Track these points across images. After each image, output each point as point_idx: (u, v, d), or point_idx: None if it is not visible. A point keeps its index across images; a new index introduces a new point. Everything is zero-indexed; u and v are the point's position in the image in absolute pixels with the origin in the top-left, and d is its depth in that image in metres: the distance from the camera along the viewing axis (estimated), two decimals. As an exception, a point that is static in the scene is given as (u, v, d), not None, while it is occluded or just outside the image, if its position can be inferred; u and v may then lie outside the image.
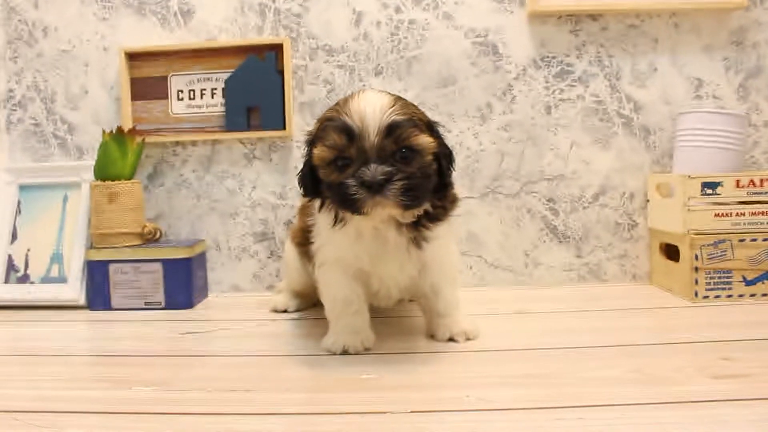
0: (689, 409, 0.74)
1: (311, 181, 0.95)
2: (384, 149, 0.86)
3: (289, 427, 0.73)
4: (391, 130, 0.86)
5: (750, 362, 0.90)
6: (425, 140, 0.89)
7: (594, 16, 1.46)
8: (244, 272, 1.52)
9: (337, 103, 0.92)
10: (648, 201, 1.46)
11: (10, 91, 1.55)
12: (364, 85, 1.47)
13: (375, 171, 0.85)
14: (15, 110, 1.55)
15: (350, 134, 0.86)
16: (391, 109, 0.87)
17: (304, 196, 1.00)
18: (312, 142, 0.94)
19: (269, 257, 1.51)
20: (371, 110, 0.86)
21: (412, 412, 0.75)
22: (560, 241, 1.48)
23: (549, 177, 1.47)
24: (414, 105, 0.94)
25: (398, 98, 0.91)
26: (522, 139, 1.47)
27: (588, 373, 0.87)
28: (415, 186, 0.87)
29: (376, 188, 0.85)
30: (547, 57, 1.46)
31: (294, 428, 0.72)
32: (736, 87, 1.46)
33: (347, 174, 0.87)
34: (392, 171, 0.85)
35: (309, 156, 0.94)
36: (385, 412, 0.75)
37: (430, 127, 0.94)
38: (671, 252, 1.38)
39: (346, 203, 0.87)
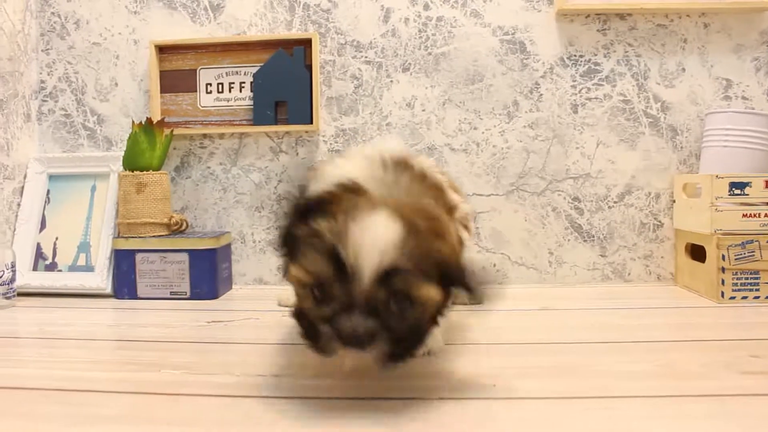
0: (718, 402, 0.73)
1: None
2: (375, 298, 0.67)
3: (318, 411, 0.73)
4: (388, 276, 0.66)
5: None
6: (429, 293, 0.69)
7: (622, 16, 1.45)
8: (268, 265, 1.53)
9: (337, 211, 0.70)
10: (674, 201, 1.45)
11: (42, 82, 1.57)
12: (391, 81, 1.48)
13: (357, 326, 0.66)
14: (46, 101, 1.57)
15: (338, 268, 0.67)
16: (397, 250, 0.67)
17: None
18: (291, 239, 0.74)
19: (293, 251, 1.52)
20: (371, 247, 0.66)
21: (439, 399, 0.76)
22: (585, 240, 1.47)
23: (574, 176, 1.47)
24: (443, 226, 0.75)
25: (415, 227, 0.69)
26: (548, 137, 1.47)
27: (614, 367, 0.87)
28: (404, 343, 0.70)
29: (353, 344, 0.67)
30: (575, 55, 1.46)
31: (322, 412, 0.73)
32: (766, 88, 1.45)
33: (322, 313, 0.69)
34: (378, 328, 0.67)
35: (286, 255, 0.76)
36: (413, 398, 0.76)
37: (448, 266, 0.72)
38: (697, 253, 1.37)
39: (313, 342, 0.72)
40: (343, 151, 0.99)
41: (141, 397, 0.79)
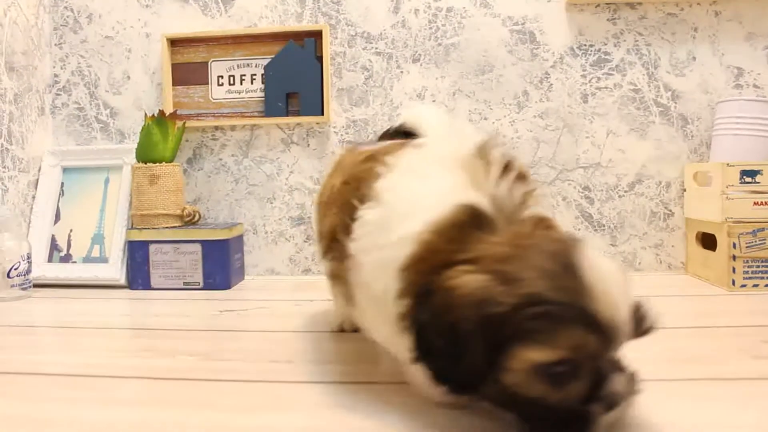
0: (733, 386, 0.73)
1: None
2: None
3: (333, 396, 0.74)
4: (640, 319, 0.56)
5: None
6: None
7: (632, 5, 1.45)
8: (280, 256, 1.54)
9: (527, 264, 0.54)
10: (684, 190, 1.45)
11: (56, 76, 1.59)
12: (401, 72, 1.48)
13: (622, 386, 0.55)
14: (60, 95, 1.59)
15: (601, 333, 0.52)
16: (627, 283, 0.56)
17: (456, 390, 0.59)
18: (492, 328, 0.53)
19: (305, 241, 1.53)
20: (618, 293, 0.54)
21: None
22: (595, 229, 1.48)
23: (585, 165, 1.47)
24: None
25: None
26: (558, 126, 1.47)
27: (627, 351, 0.87)
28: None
29: (616, 405, 0.55)
30: (585, 45, 1.46)
31: (337, 397, 0.74)
32: (777, 76, 1.45)
33: (574, 390, 0.53)
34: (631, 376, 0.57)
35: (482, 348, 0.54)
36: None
37: None
38: (707, 241, 1.37)
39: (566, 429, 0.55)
40: (411, 152, 0.70)
41: (155, 382, 0.80)
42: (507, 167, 0.63)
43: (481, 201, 0.60)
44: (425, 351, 0.57)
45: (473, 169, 0.63)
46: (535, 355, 0.52)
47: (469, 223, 0.59)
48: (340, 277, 0.74)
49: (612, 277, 0.54)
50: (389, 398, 0.72)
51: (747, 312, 1.11)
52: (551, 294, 0.52)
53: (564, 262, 0.53)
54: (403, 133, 1.00)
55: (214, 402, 0.72)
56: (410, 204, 0.62)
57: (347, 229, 0.68)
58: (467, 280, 0.55)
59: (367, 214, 0.65)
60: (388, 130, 1.07)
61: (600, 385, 0.54)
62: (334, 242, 0.73)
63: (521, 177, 0.64)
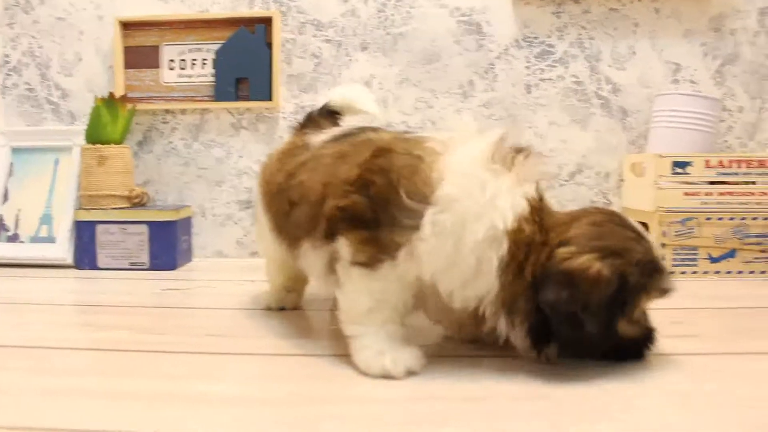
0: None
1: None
2: None
3: (266, 367, 0.77)
4: None
5: (697, 325, 0.94)
6: None
7: (577, 0, 1.49)
8: (228, 238, 1.57)
9: (607, 238, 0.71)
10: (623, 180, 1.50)
11: (6, 56, 1.59)
12: (350, 60, 1.51)
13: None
14: (10, 75, 1.59)
15: (668, 277, 0.74)
16: None
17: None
18: (623, 287, 0.70)
19: (253, 225, 1.55)
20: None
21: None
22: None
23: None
24: None
25: None
26: (502, 116, 1.51)
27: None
28: None
29: None
30: (530, 38, 1.50)
31: (269, 368, 0.77)
32: (712, 72, 1.50)
33: (641, 326, 0.77)
34: None
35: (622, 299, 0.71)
36: (346, 355, 0.80)
37: None
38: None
39: (632, 356, 0.77)
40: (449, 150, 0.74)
41: (94, 353, 0.83)
42: (524, 151, 0.76)
43: (533, 191, 0.73)
44: (554, 323, 0.70)
45: (508, 160, 0.73)
46: (648, 300, 0.73)
47: (539, 211, 0.72)
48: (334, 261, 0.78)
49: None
50: (317, 370, 0.75)
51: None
52: (646, 256, 0.71)
53: (634, 230, 0.73)
54: (329, 113, 1.04)
55: (147, 372, 0.75)
56: (481, 204, 0.70)
57: (392, 221, 0.72)
58: (582, 261, 0.69)
59: (439, 217, 0.70)
60: (311, 114, 1.08)
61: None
62: (349, 227, 0.75)
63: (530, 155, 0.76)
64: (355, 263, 0.75)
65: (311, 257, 0.82)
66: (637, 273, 0.70)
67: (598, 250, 0.69)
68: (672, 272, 0.77)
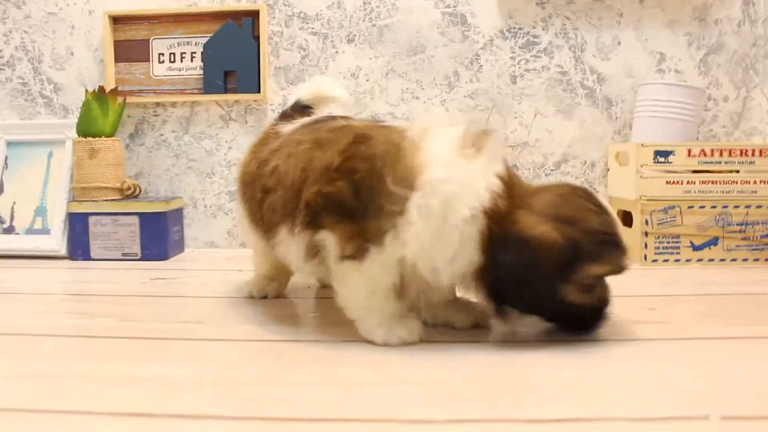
0: (614, 345, 0.80)
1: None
2: None
3: (235, 352, 0.80)
4: None
5: (671, 312, 0.96)
6: None
7: (561, -10, 1.51)
8: (219, 229, 1.59)
9: (564, 208, 0.76)
10: (608, 170, 1.52)
11: None
12: (336, 52, 1.53)
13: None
14: (3, 69, 1.62)
15: (625, 254, 0.78)
16: None
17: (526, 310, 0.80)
18: (572, 253, 0.74)
19: (243, 216, 1.58)
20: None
21: (343, 341, 0.82)
22: (522, 207, 1.54)
23: (513, 144, 1.53)
24: None
25: None
26: (487, 107, 1.53)
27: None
28: None
29: None
30: (514, 28, 1.52)
31: (239, 353, 0.79)
32: (697, 62, 1.51)
33: (593, 296, 0.79)
34: None
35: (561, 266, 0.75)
36: (321, 341, 0.82)
37: None
38: (628, 219, 1.44)
39: (581, 326, 0.82)
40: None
41: (74, 340, 0.85)
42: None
43: (502, 169, 0.78)
44: (508, 283, 0.75)
45: (480, 144, 0.77)
46: (598, 270, 0.75)
47: (506, 188, 0.76)
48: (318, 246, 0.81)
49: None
50: (287, 354, 0.78)
51: (646, 284, 1.18)
52: (603, 228, 0.75)
53: (597, 204, 0.77)
54: (302, 108, 1.07)
55: (118, 356, 0.77)
56: (463, 186, 0.75)
57: (378, 208, 0.76)
58: (533, 224, 0.74)
59: (425, 201, 0.74)
60: (285, 111, 1.11)
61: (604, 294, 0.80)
62: (334, 219, 0.79)
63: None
64: (345, 257, 0.78)
65: (288, 244, 0.85)
66: (588, 242, 0.74)
67: (553, 217, 0.74)
68: (625, 250, 0.77)
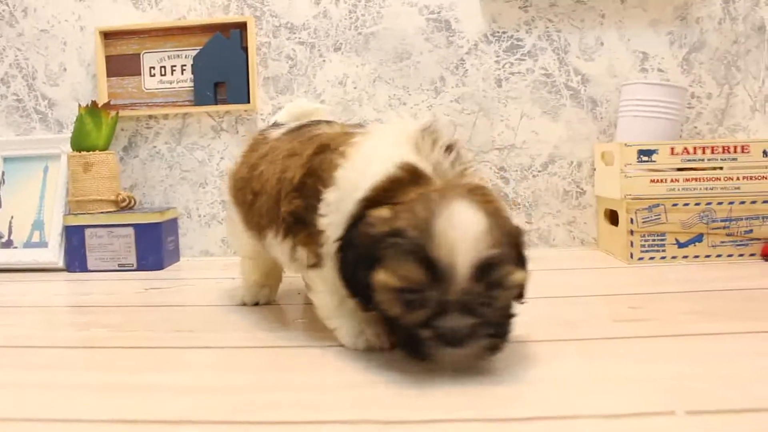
0: (587, 344, 0.82)
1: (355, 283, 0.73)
2: (471, 293, 0.64)
3: (225, 359, 0.82)
4: (484, 270, 0.64)
5: (654, 310, 0.98)
6: (520, 277, 0.69)
7: (543, -7, 1.53)
8: (213, 238, 1.62)
9: (415, 207, 0.67)
10: (594, 169, 1.54)
11: (-5, 68, 1.65)
12: (324, 61, 1.56)
13: (458, 325, 0.65)
14: (-1, 87, 1.65)
15: (433, 271, 0.64)
16: (488, 241, 0.64)
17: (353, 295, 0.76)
18: (368, 246, 0.68)
19: (237, 224, 1.61)
20: (464, 243, 0.63)
21: (329, 346, 0.84)
22: (511, 208, 1.56)
23: (500, 147, 1.55)
24: (502, 204, 0.74)
25: (490, 212, 0.67)
26: (474, 110, 1.55)
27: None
28: (501, 332, 0.69)
29: (456, 344, 0.65)
30: (498, 32, 1.54)
31: (229, 360, 0.82)
32: (680, 60, 1.53)
33: (417, 317, 0.66)
34: (478, 323, 0.65)
35: (359, 264, 0.70)
36: (311, 346, 0.85)
37: (520, 244, 0.72)
38: (614, 218, 1.46)
39: (412, 350, 0.69)
40: (363, 127, 0.86)
41: (69, 351, 0.88)
42: (450, 145, 0.75)
43: (422, 164, 0.71)
44: (340, 261, 0.73)
45: (421, 143, 0.74)
46: (382, 276, 0.67)
47: (407, 180, 0.70)
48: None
49: (467, 230, 0.64)
50: (277, 359, 0.80)
51: (631, 283, 1.20)
52: (408, 231, 0.65)
53: (435, 210, 0.65)
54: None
55: (112, 365, 0.80)
56: (372, 159, 0.73)
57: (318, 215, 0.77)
58: (376, 212, 0.69)
59: (330, 195, 0.76)
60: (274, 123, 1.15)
61: (436, 319, 0.65)
62: (298, 231, 0.82)
63: (461, 154, 0.76)
64: (310, 266, 0.82)
65: (276, 246, 0.89)
66: (382, 238, 0.67)
67: (404, 209, 0.68)
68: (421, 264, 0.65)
